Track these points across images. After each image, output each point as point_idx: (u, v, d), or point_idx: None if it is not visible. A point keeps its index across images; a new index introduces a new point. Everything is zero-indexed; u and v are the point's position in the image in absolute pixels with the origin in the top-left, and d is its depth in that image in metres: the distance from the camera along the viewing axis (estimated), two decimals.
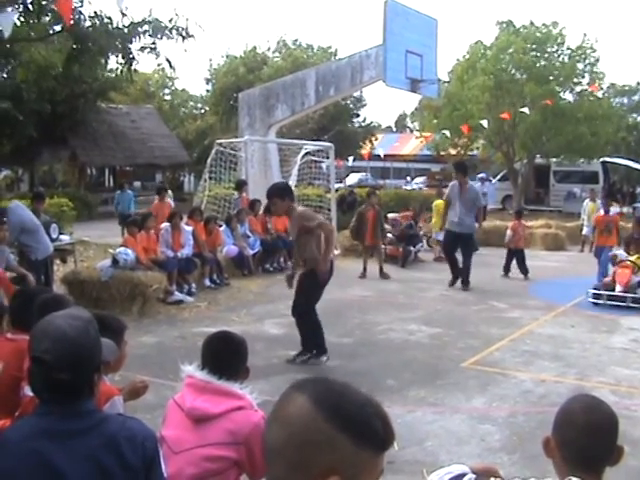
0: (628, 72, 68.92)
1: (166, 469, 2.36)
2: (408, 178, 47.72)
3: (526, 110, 26.86)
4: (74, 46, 17.52)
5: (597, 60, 31.69)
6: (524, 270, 14.40)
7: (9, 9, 10.54)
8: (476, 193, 13.45)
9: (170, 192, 20.48)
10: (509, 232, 14.85)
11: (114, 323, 3.46)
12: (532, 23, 31.73)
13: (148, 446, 2.22)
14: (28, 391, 3.07)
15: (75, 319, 2.21)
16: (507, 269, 14.62)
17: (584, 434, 2.14)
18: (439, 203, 17.34)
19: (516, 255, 14.57)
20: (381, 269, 14.04)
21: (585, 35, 33.42)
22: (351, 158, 37.91)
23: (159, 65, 45.82)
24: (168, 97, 49.53)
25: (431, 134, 35.22)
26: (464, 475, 2.27)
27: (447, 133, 30.47)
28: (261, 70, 38.02)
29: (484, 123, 26.56)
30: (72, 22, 15.53)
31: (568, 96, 31.94)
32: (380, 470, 1.32)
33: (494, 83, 29.58)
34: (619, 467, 2.21)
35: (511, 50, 30.44)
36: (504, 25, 32.65)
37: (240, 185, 15.55)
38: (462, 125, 28.93)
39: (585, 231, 19.04)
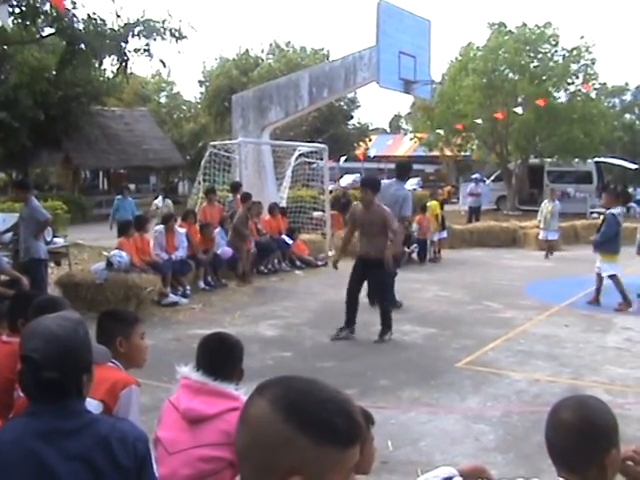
0: (616, 72, 68.98)
1: (159, 469, 2.37)
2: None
3: (519, 110, 26.87)
4: (67, 49, 17.47)
5: (593, 62, 31.79)
6: (425, 256, 16.68)
7: (4, 6, 10.60)
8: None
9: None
10: (415, 225, 16.28)
11: (125, 314, 3.66)
12: (525, 24, 31.82)
13: (139, 446, 2.23)
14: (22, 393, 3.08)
15: (65, 320, 2.23)
16: (425, 256, 16.55)
17: (562, 440, 2.12)
18: (434, 204, 17.41)
19: (422, 243, 16.53)
20: None
21: (582, 37, 33.58)
22: (343, 158, 37.85)
23: (157, 70, 46.04)
24: (163, 100, 49.56)
25: (424, 134, 35.28)
26: (451, 478, 2.27)
27: (441, 132, 30.53)
28: (254, 72, 38.01)
29: (478, 122, 26.67)
30: (65, 22, 15.50)
31: (562, 96, 32.03)
32: (351, 466, 1.31)
33: (486, 82, 29.64)
34: None
35: (503, 50, 30.52)
36: (495, 27, 32.76)
37: (235, 187, 15.50)
38: (456, 124, 29.05)
39: (541, 235, 17.82)
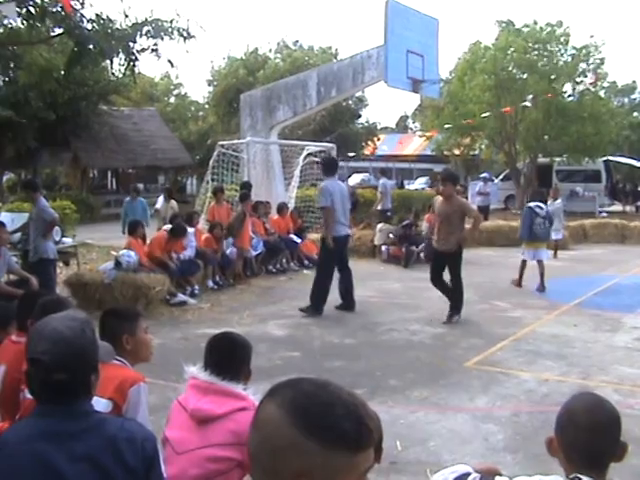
0: (625, 71, 68.74)
1: (166, 469, 2.37)
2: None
3: (528, 104, 26.68)
4: (75, 49, 17.49)
5: (602, 62, 31.66)
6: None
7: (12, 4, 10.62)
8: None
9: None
10: (426, 224, 16.49)
11: (127, 311, 3.67)
12: (535, 22, 31.72)
13: (147, 447, 2.22)
14: (28, 393, 3.08)
15: (71, 320, 2.23)
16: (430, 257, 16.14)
17: (587, 434, 2.15)
18: None
19: (430, 242, 15.98)
20: None
21: (592, 37, 33.50)
22: (351, 154, 37.78)
23: (167, 72, 46.21)
24: (172, 100, 49.74)
25: (434, 132, 35.21)
26: (468, 474, 2.28)
27: (449, 126, 30.47)
28: (262, 72, 38.02)
29: (486, 115, 26.61)
30: (73, 22, 15.51)
31: (571, 94, 31.90)
32: (362, 470, 1.29)
33: (495, 82, 29.56)
34: (623, 466, 2.22)
35: (512, 49, 30.43)
36: (504, 25, 32.67)
37: (245, 188, 15.37)
38: (467, 121, 28.99)
39: (555, 235, 16.99)
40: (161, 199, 16.54)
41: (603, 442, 2.16)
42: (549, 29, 31.11)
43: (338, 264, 10.85)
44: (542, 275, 12.73)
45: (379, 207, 19.16)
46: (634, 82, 43.32)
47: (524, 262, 13.10)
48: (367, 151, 44.10)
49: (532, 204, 13.20)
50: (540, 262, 12.90)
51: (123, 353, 3.39)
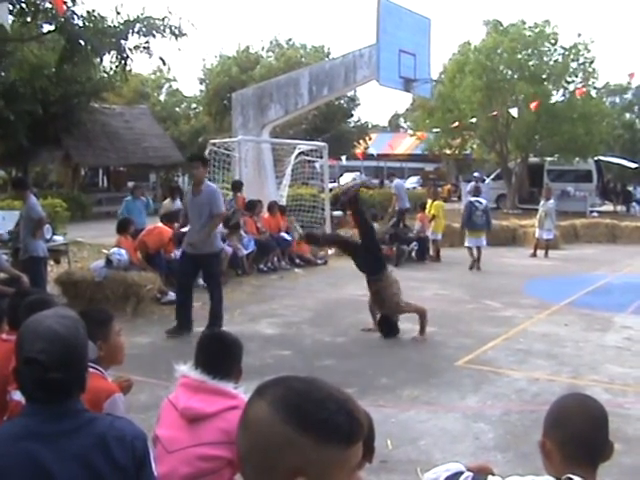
0: (618, 71, 68.91)
1: (157, 468, 2.35)
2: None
3: (514, 112, 26.67)
4: (66, 46, 17.44)
5: (592, 61, 31.72)
6: (424, 255, 16.69)
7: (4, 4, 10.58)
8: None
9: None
10: (418, 223, 16.79)
11: (99, 315, 3.48)
12: (523, 22, 31.76)
13: (137, 445, 2.21)
14: (15, 395, 3.05)
15: (64, 318, 2.21)
16: (424, 254, 16.58)
17: (585, 428, 2.16)
18: (436, 204, 17.29)
19: (423, 242, 16.58)
20: None
21: (580, 35, 33.65)
22: (344, 157, 37.86)
23: (158, 67, 46.10)
24: (162, 97, 49.63)
25: (423, 136, 35.27)
26: (461, 473, 2.27)
27: (439, 130, 30.51)
28: (254, 70, 37.97)
29: (473, 121, 26.62)
30: (64, 19, 15.46)
31: (561, 95, 31.98)
32: (354, 464, 1.30)
33: (485, 83, 29.58)
34: (613, 465, 2.23)
35: (500, 50, 30.45)
36: (491, 24, 32.72)
37: (236, 186, 15.34)
38: (455, 125, 29.00)
39: (537, 234, 17.71)
40: (177, 202, 15.71)
41: (599, 436, 2.18)
42: (537, 29, 31.15)
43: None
44: (479, 259, 15.15)
45: (396, 207, 19.15)
46: (629, 83, 43.37)
47: (470, 249, 15.26)
48: (358, 150, 44.09)
49: (473, 199, 15.58)
50: (479, 248, 15.19)
51: (96, 359, 3.31)
